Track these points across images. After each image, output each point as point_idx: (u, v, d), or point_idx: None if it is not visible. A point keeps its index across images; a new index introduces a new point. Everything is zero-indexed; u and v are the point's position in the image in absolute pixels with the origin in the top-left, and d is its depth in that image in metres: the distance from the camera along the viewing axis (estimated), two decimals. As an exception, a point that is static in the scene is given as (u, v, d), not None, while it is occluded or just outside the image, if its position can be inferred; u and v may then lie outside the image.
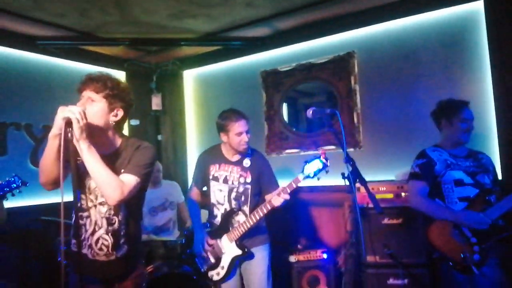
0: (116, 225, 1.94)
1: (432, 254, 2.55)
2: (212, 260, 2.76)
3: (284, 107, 4.41)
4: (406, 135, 3.61)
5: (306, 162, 2.42)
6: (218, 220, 2.81)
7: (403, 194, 3.16)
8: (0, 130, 3.70)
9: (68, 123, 1.65)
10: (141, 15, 3.71)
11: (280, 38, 4.28)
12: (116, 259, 1.95)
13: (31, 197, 3.56)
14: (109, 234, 1.93)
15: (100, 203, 1.92)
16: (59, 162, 1.64)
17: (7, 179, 2.07)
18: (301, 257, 3.51)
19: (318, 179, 2.39)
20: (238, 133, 2.67)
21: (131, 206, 1.98)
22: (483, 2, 3.28)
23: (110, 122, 1.89)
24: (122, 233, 1.96)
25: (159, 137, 5.28)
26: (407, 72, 3.63)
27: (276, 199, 2.47)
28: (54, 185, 1.85)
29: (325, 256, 3.51)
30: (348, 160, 1.94)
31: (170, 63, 5.03)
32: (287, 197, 2.45)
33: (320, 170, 2.37)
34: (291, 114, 4.46)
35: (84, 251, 1.93)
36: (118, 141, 1.97)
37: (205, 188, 2.95)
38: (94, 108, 1.83)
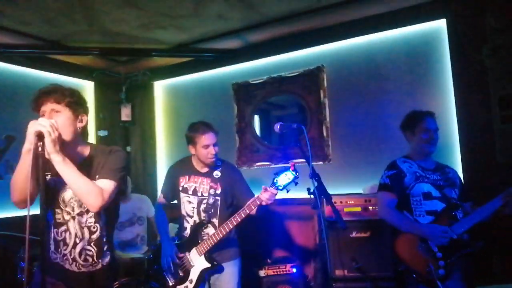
0: (98, 233, 1.95)
1: (398, 266, 2.56)
2: (181, 273, 2.70)
3: (256, 119, 4.41)
4: (374, 149, 3.67)
5: (276, 174, 2.41)
6: (187, 232, 2.76)
7: (370, 207, 3.20)
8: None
9: (40, 137, 1.63)
10: (110, 25, 3.65)
11: (252, 51, 4.30)
12: (101, 268, 1.98)
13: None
14: (92, 244, 1.94)
15: (79, 214, 1.91)
16: (34, 177, 1.62)
17: None
18: (271, 271, 3.47)
19: (288, 191, 2.38)
20: (205, 146, 2.65)
21: (109, 212, 1.99)
22: (445, 21, 3.41)
23: (78, 130, 1.89)
24: (104, 240, 1.98)
25: (128, 149, 5.17)
26: (374, 86, 3.71)
27: (264, 193, 2.40)
28: (29, 203, 1.78)
29: (294, 270, 3.49)
30: (314, 175, 1.94)
31: (140, 73, 4.97)
32: (275, 191, 2.38)
33: (289, 183, 2.36)
34: (264, 126, 4.47)
35: (67, 265, 1.92)
36: (87, 149, 1.97)
37: (175, 201, 2.89)
38: (61, 118, 1.81)
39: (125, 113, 4.95)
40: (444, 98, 3.40)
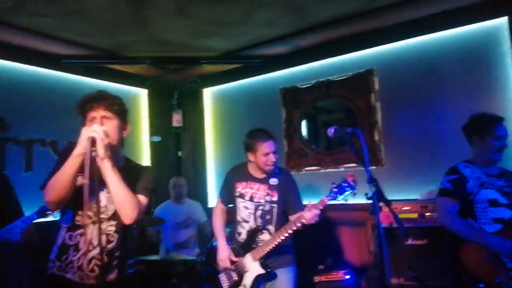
0: (113, 244, 1.90)
1: (462, 276, 2.41)
2: (235, 277, 2.71)
3: (303, 124, 4.39)
4: (430, 153, 3.53)
5: (334, 184, 2.36)
6: (243, 237, 2.78)
7: (427, 214, 3.08)
8: (26, 147, 3.79)
9: (93, 142, 1.67)
10: (162, 34, 3.79)
11: (300, 56, 4.29)
12: (104, 284, 1.85)
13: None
14: (104, 253, 1.84)
15: (100, 219, 1.81)
16: (75, 180, 1.68)
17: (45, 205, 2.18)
18: (324, 278, 3.42)
19: (346, 201, 2.34)
20: (265, 154, 2.65)
21: (128, 230, 1.98)
22: (507, 18, 3.23)
23: (122, 138, 1.93)
24: (116, 254, 1.92)
25: (180, 153, 5.33)
26: (429, 88, 3.58)
27: (308, 213, 2.39)
28: (62, 204, 1.80)
29: (347, 277, 3.42)
30: (371, 180, 1.89)
31: (191, 81, 5.09)
32: (317, 212, 2.37)
33: (347, 194, 2.32)
34: (310, 131, 4.44)
35: (70, 274, 1.82)
36: (123, 159, 2.01)
37: (231, 205, 2.94)
38: (111, 125, 1.84)
39: (176, 119, 5.10)
40: (505, 100, 3.22)
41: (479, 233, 2.35)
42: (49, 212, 2.17)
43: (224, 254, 2.75)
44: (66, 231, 1.86)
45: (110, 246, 1.89)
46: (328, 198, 2.34)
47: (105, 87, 4.34)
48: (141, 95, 5.02)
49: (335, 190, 2.32)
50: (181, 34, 3.79)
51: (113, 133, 1.83)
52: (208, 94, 5.17)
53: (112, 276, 1.89)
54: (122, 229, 1.93)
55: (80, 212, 1.84)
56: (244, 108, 4.76)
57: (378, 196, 1.86)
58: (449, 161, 2.63)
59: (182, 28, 3.65)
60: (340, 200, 2.33)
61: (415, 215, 3.12)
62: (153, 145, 5.02)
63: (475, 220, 2.41)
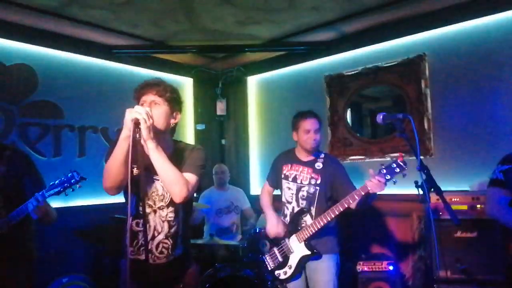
0: (175, 228, 2.00)
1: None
2: (280, 258, 2.76)
3: (348, 112, 4.31)
4: (482, 143, 3.36)
5: (383, 165, 2.33)
6: (287, 219, 2.82)
7: (478, 206, 2.94)
8: (79, 133, 3.99)
9: (137, 124, 1.70)
10: (208, 23, 3.83)
11: (346, 42, 4.20)
12: (174, 260, 2.01)
13: (105, 196, 3.80)
14: (169, 237, 1.98)
15: (159, 207, 1.96)
16: (127, 164, 1.69)
17: (67, 174, 2.18)
18: (366, 267, 3.39)
19: (395, 182, 2.29)
20: (306, 130, 2.72)
21: (187, 206, 2.05)
22: None
23: (170, 125, 1.97)
24: (179, 233, 2.03)
25: (223, 142, 5.40)
26: (484, 74, 3.39)
27: (370, 182, 2.31)
28: (119, 189, 1.89)
29: (391, 268, 3.36)
30: (422, 167, 1.84)
31: (235, 69, 5.13)
32: (382, 180, 2.26)
33: (397, 173, 2.26)
34: (355, 119, 4.36)
35: (143, 257, 1.91)
36: (173, 144, 2.06)
37: (278, 192, 2.99)
38: (159, 110, 1.89)
39: (220, 108, 5.16)
40: None
41: None
42: (61, 189, 2.18)
43: (273, 222, 2.78)
44: (132, 219, 1.95)
45: (173, 230, 1.99)
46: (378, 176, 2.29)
47: (153, 76, 4.52)
48: (187, 84, 5.12)
49: (385, 171, 2.27)
50: (227, 22, 3.82)
51: (160, 118, 1.88)
52: (252, 82, 5.19)
53: (179, 252, 2.03)
54: (182, 211, 2.02)
55: (140, 202, 1.91)
56: (288, 96, 4.74)
57: (429, 184, 1.81)
58: (502, 152, 2.48)
59: (228, 16, 3.67)
60: (389, 182, 2.27)
61: (464, 207, 2.99)
62: (197, 133, 5.12)
63: None
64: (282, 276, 2.73)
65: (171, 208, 1.98)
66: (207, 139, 5.23)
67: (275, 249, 2.79)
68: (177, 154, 1.98)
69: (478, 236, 2.92)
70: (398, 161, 2.25)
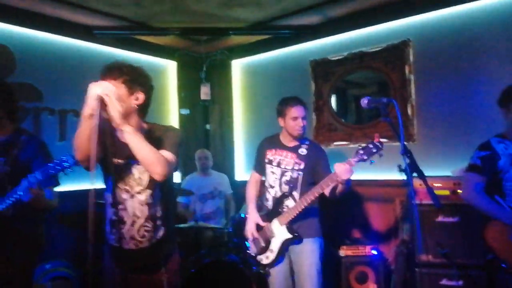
0: (154, 209, 1.99)
1: (486, 255, 2.39)
2: (262, 243, 2.76)
3: (333, 98, 4.30)
4: (464, 129, 3.40)
5: (360, 145, 2.34)
6: (269, 203, 2.83)
7: (460, 191, 2.98)
8: (60, 117, 3.89)
9: (102, 103, 1.66)
10: (192, 4, 3.74)
11: (331, 26, 4.16)
12: (156, 242, 2.00)
13: (87, 180, 3.74)
14: (149, 219, 1.97)
15: (138, 192, 1.95)
16: (94, 141, 1.65)
17: (60, 157, 2.12)
18: (350, 252, 3.42)
19: (371, 162, 2.30)
20: (293, 118, 2.72)
21: (165, 187, 2.03)
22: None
23: (132, 106, 1.89)
24: (158, 216, 2.01)
25: (208, 127, 5.35)
26: (467, 61, 3.41)
27: (337, 168, 2.32)
28: (88, 162, 1.80)
29: (374, 252, 3.41)
30: (406, 151, 1.84)
31: (219, 52, 5.05)
32: (348, 166, 2.29)
33: (374, 153, 2.27)
34: (340, 105, 4.35)
35: (125, 244, 1.95)
36: (145, 126, 2.01)
37: (263, 178, 2.99)
38: (120, 92, 1.83)
39: (204, 92, 5.09)
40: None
41: (505, 211, 2.28)
42: (53, 172, 2.12)
43: (250, 222, 2.81)
44: (110, 207, 1.96)
45: (152, 212, 1.98)
46: (355, 159, 2.31)
47: (135, 58, 4.48)
48: (170, 67, 5.02)
49: (361, 152, 2.29)
50: (211, 4, 3.73)
51: (121, 101, 1.78)
52: (237, 66, 5.12)
53: (161, 233, 2.02)
54: (161, 192, 2.01)
55: (116, 190, 1.93)
56: (273, 81, 4.70)
57: (412, 168, 1.81)
58: (483, 138, 2.52)
59: (212, -3, 3.60)
60: (367, 162, 2.28)
61: (446, 192, 3.03)
62: (181, 118, 5.05)
63: (503, 199, 2.33)
64: (265, 261, 2.73)
65: (148, 191, 1.96)
66: (191, 124, 5.17)
67: (258, 234, 2.80)
68: (150, 135, 1.94)
69: (459, 220, 2.97)
70: (375, 141, 2.27)
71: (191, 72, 5.17)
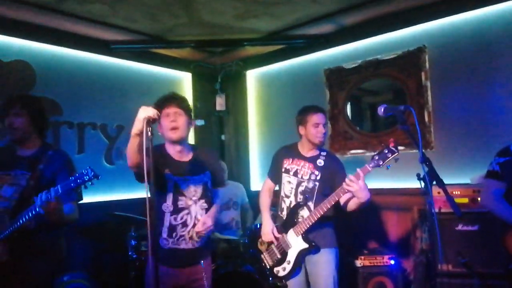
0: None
1: (508, 264, 2.34)
2: (278, 255, 2.74)
3: (348, 106, 4.29)
4: (482, 135, 3.35)
5: (375, 151, 2.35)
6: (284, 213, 2.82)
7: (479, 199, 2.93)
8: (78, 130, 3.97)
9: (148, 123, 1.83)
10: (207, 17, 3.80)
11: (345, 35, 4.16)
12: (205, 241, 2.41)
13: (105, 193, 3.81)
14: None
15: (199, 198, 2.37)
16: (141, 154, 1.85)
17: (81, 171, 2.14)
18: (367, 262, 3.37)
19: (388, 167, 2.29)
20: (315, 124, 2.75)
21: (210, 196, 2.50)
22: None
23: (189, 130, 2.37)
24: None
25: (223, 137, 5.37)
26: (484, 66, 3.37)
27: (352, 177, 2.34)
28: (138, 168, 2.08)
29: (392, 262, 3.35)
30: (424, 159, 1.82)
31: (234, 63, 5.10)
32: (361, 174, 2.32)
33: (389, 158, 2.26)
34: (355, 113, 4.33)
35: (183, 245, 2.31)
36: (191, 148, 2.48)
37: (277, 188, 2.98)
38: (183, 119, 2.29)
39: (220, 103, 5.13)
40: None
41: None
42: (74, 186, 2.15)
43: (267, 228, 2.80)
44: (170, 215, 2.30)
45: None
46: (371, 165, 2.31)
47: (152, 71, 4.55)
48: (185, 79, 5.08)
49: (377, 157, 2.29)
50: (225, 16, 3.78)
51: (184, 125, 2.29)
52: (251, 76, 5.16)
53: (209, 234, 2.44)
54: (208, 200, 2.46)
55: (179, 197, 2.32)
56: (288, 90, 4.71)
57: (431, 176, 1.79)
58: (502, 143, 2.49)
59: (226, 9, 3.64)
60: (383, 167, 2.28)
61: (465, 200, 2.98)
62: (196, 129, 5.09)
63: None
64: (281, 273, 2.71)
65: (204, 199, 2.40)
66: (207, 134, 5.20)
67: (273, 246, 2.78)
68: (197, 156, 2.43)
69: (479, 229, 2.92)
70: (390, 146, 2.27)
71: (206, 83, 5.22)
